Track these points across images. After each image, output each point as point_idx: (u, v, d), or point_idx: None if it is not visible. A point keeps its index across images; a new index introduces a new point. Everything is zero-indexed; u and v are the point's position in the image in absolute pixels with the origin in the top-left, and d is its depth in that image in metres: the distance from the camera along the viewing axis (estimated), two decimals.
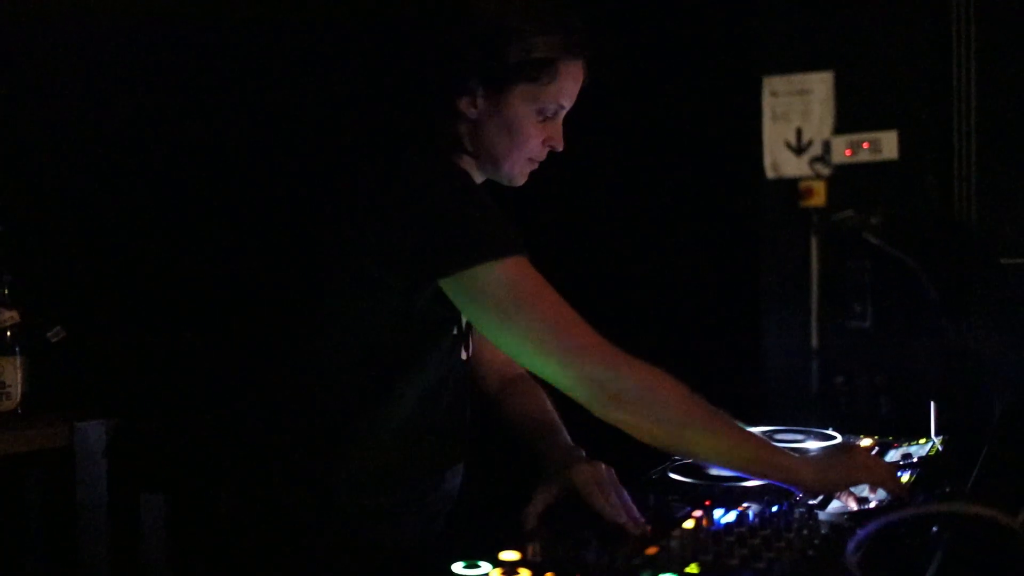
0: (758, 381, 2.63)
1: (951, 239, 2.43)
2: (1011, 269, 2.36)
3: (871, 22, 2.54)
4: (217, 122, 2.60)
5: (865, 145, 2.53)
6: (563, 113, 1.40)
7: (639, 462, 1.45)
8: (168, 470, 2.15)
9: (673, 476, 1.44)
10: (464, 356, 1.43)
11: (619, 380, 1.24)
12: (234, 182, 2.62)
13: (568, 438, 1.46)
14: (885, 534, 1.11)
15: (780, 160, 2.63)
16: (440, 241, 1.25)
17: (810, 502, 1.29)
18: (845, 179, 2.56)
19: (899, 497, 1.27)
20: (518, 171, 1.41)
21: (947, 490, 1.32)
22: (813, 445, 1.61)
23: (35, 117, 2.49)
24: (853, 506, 1.28)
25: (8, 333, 2.10)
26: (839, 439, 1.66)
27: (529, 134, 1.37)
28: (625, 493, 1.27)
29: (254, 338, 2.37)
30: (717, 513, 1.23)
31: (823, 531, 1.15)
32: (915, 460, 1.54)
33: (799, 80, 2.60)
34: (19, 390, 2.10)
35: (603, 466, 1.32)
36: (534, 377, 1.44)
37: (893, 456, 1.59)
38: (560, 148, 1.41)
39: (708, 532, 1.14)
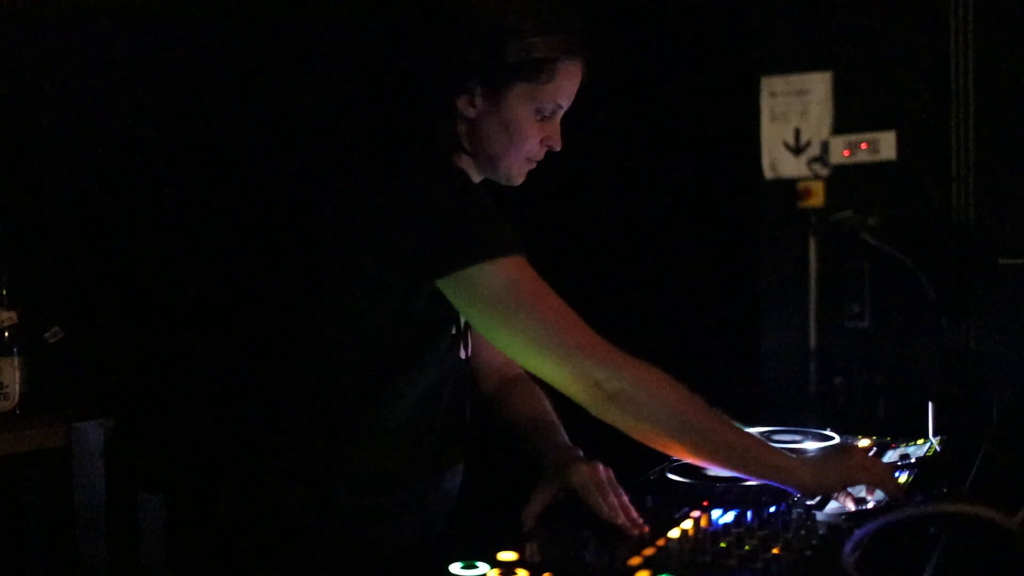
0: (756, 381, 2.63)
1: (949, 239, 2.43)
2: (1009, 269, 2.36)
3: (869, 23, 2.54)
4: (216, 121, 2.60)
5: (863, 146, 2.54)
6: (561, 113, 1.40)
7: (637, 462, 1.45)
8: (166, 470, 2.15)
9: (671, 477, 1.44)
10: (463, 355, 1.43)
11: (617, 379, 1.24)
12: (233, 182, 2.63)
13: (567, 438, 1.46)
14: (883, 535, 1.11)
15: (778, 160, 2.64)
16: (438, 241, 1.25)
17: (808, 503, 1.29)
18: (843, 179, 2.57)
19: (896, 498, 1.27)
20: (516, 171, 1.41)
21: (945, 491, 1.32)
22: (811, 445, 1.61)
23: (34, 117, 2.49)
24: (851, 507, 1.28)
25: (6, 333, 2.10)
26: (837, 439, 1.66)
27: (527, 134, 1.37)
28: (623, 494, 1.27)
29: (253, 338, 2.37)
30: (715, 514, 1.23)
31: (821, 532, 1.15)
32: (913, 460, 1.54)
33: (797, 80, 2.61)
34: (17, 390, 2.10)
35: (601, 467, 1.32)
36: (533, 377, 1.44)
37: (891, 456, 1.59)
38: (558, 148, 1.41)
39: (706, 533, 1.14)
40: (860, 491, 1.31)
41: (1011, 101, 2.40)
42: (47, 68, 2.50)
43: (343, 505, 1.34)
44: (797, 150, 2.62)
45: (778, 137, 2.63)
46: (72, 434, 2.04)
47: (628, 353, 1.27)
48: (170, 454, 2.18)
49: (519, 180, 1.43)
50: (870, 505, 1.28)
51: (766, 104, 2.64)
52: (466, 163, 1.41)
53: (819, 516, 1.22)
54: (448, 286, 1.27)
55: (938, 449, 1.61)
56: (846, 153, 2.56)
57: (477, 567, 1.04)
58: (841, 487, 1.29)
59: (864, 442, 1.70)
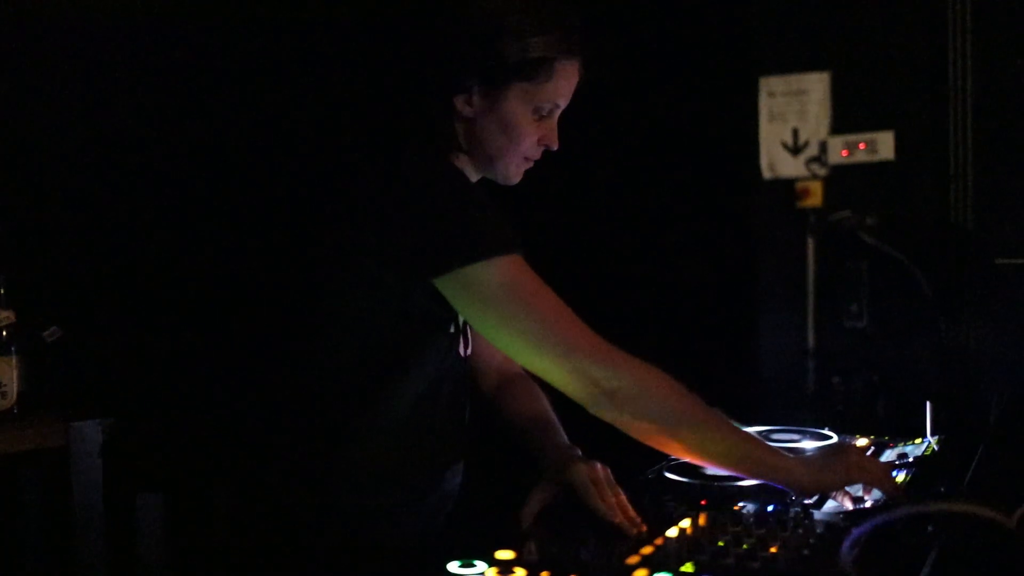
0: (755, 381, 2.63)
1: (947, 239, 2.44)
2: (1007, 269, 2.37)
3: (868, 23, 2.54)
4: (213, 120, 2.60)
5: (861, 146, 2.54)
6: (558, 112, 1.40)
7: (635, 461, 1.46)
8: (165, 469, 2.15)
9: (669, 476, 1.45)
10: (463, 353, 1.43)
11: (614, 378, 1.24)
12: (231, 181, 2.62)
13: (565, 437, 1.46)
14: (880, 534, 1.11)
15: (776, 160, 2.64)
16: (436, 240, 1.25)
17: (805, 502, 1.29)
18: (841, 179, 2.57)
19: (894, 497, 1.27)
20: (513, 169, 1.41)
21: (942, 490, 1.32)
22: (809, 445, 1.61)
23: (32, 116, 2.49)
24: (848, 506, 1.28)
25: (4, 332, 2.10)
26: (835, 439, 1.66)
27: (524, 133, 1.37)
28: (621, 493, 1.27)
29: (252, 337, 2.37)
30: (713, 512, 1.23)
31: (818, 530, 1.15)
32: (911, 460, 1.54)
33: (796, 80, 2.61)
34: (15, 389, 2.10)
35: (599, 465, 1.32)
36: (532, 376, 1.44)
37: (889, 456, 1.59)
38: (555, 147, 1.41)
39: (704, 531, 1.14)
40: (858, 490, 1.31)
41: (1009, 101, 2.40)
42: (45, 67, 2.50)
43: (342, 504, 1.34)
44: (795, 150, 2.62)
45: (776, 137, 2.63)
46: (70, 433, 2.04)
47: (626, 352, 1.27)
48: (169, 454, 2.18)
49: (516, 179, 1.43)
50: (868, 504, 1.29)
51: (764, 104, 2.64)
52: (464, 162, 1.41)
53: (817, 515, 1.22)
54: (446, 285, 1.27)
55: (936, 448, 1.61)
56: (844, 153, 2.56)
57: (475, 566, 1.04)
58: (839, 486, 1.29)
59: (862, 441, 1.70)
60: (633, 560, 1.06)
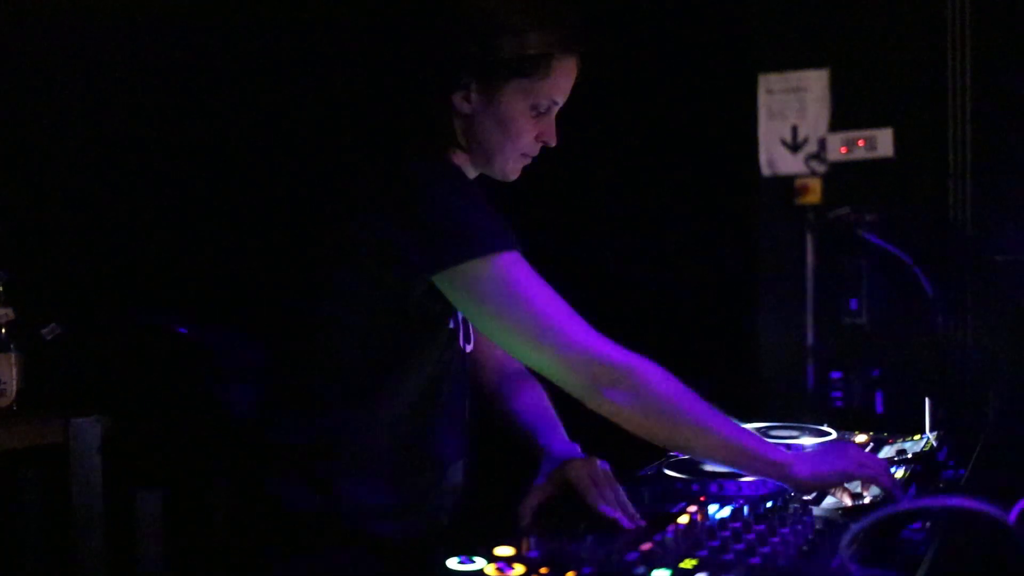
0: (754, 377, 2.64)
1: (946, 236, 2.44)
2: (1006, 266, 2.37)
3: (867, 20, 2.54)
4: (212, 118, 2.60)
5: (860, 142, 2.54)
6: (556, 109, 1.40)
7: (634, 458, 1.46)
8: (164, 466, 2.15)
9: (668, 472, 1.45)
10: (466, 348, 1.43)
11: (612, 372, 1.24)
12: (230, 179, 2.62)
13: (564, 434, 1.46)
14: (879, 529, 1.11)
15: (776, 157, 2.64)
16: (433, 237, 1.25)
17: (804, 498, 1.29)
18: (841, 176, 2.57)
19: (892, 493, 1.27)
20: (511, 166, 1.41)
21: (941, 486, 1.33)
22: (808, 441, 1.61)
23: (31, 114, 2.49)
24: (847, 502, 1.28)
25: (3, 330, 2.10)
26: (834, 435, 1.66)
27: (522, 129, 1.37)
28: (620, 489, 1.27)
29: (251, 335, 2.37)
30: (712, 509, 1.23)
31: (817, 526, 1.15)
32: (909, 456, 1.55)
33: (795, 77, 2.61)
34: (14, 387, 2.10)
35: (598, 462, 1.32)
36: (532, 372, 1.44)
37: (888, 452, 1.59)
38: (553, 143, 1.41)
39: (703, 528, 1.14)
40: (856, 486, 1.31)
41: (1008, 98, 2.41)
42: (45, 65, 2.49)
43: (342, 503, 1.34)
44: (794, 147, 2.62)
45: (775, 134, 2.64)
46: (69, 430, 2.04)
47: (624, 347, 1.27)
48: (168, 451, 2.18)
49: (514, 176, 1.43)
50: (866, 500, 1.29)
51: (763, 101, 2.64)
52: (462, 159, 1.40)
53: (816, 511, 1.22)
54: (444, 282, 1.27)
55: (934, 444, 1.61)
56: (843, 150, 2.56)
57: (474, 562, 1.04)
58: (836, 483, 1.29)
59: (861, 438, 1.70)
60: (632, 557, 1.06)
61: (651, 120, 2.71)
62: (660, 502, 1.27)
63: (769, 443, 1.31)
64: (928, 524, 1.14)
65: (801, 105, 2.61)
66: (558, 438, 1.45)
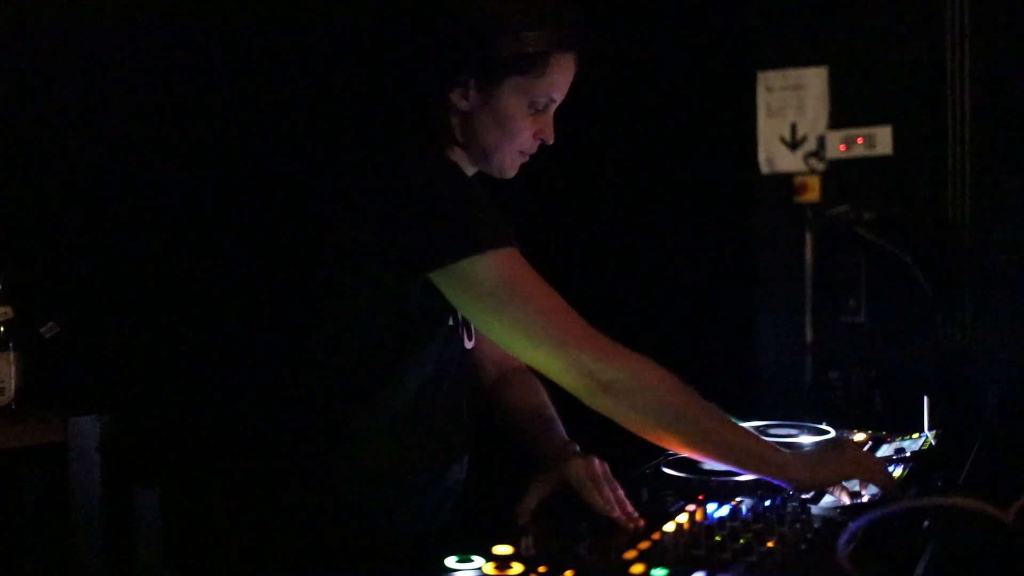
0: (752, 375, 2.64)
1: (945, 235, 2.44)
2: (1004, 265, 2.37)
3: (866, 17, 2.54)
4: (211, 118, 2.60)
5: (860, 140, 2.54)
6: (554, 106, 1.40)
7: (633, 456, 1.46)
8: (163, 465, 2.15)
9: (666, 471, 1.45)
10: (468, 345, 1.43)
11: (610, 370, 1.24)
12: (229, 178, 2.62)
13: (563, 432, 1.46)
14: (877, 528, 1.11)
15: (775, 155, 2.64)
16: (431, 235, 1.25)
17: (802, 497, 1.29)
18: (840, 174, 2.57)
19: (890, 492, 1.27)
20: (508, 163, 1.41)
21: (939, 484, 1.33)
22: (806, 439, 1.61)
23: (30, 112, 2.49)
24: (845, 500, 1.28)
25: (2, 328, 2.10)
26: (832, 434, 1.66)
27: (520, 127, 1.37)
28: (618, 488, 1.27)
29: (250, 333, 2.37)
30: (710, 507, 1.23)
31: (815, 525, 1.15)
32: (908, 455, 1.55)
33: (794, 75, 2.61)
34: (13, 385, 2.10)
35: (596, 461, 1.32)
36: (532, 370, 1.44)
37: (886, 451, 1.59)
38: (551, 141, 1.41)
39: (701, 526, 1.14)
40: (855, 485, 1.31)
41: (1007, 96, 2.41)
42: (44, 63, 2.49)
43: (341, 501, 1.34)
44: (793, 145, 2.62)
45: (774, 132, 2.63)
46: (69, 429, 2.04)
47: (622, 345, 1.27)
48: (167, 450, 2.18)
49: (512, 173, 1.43)
50: (865, 499, 1.29)
51: (762, 99, 2.64)
52: (459, 156, 1.41)
53: (814, 510, 1.22)
54: (442, 279, 1.27)
55: (933, 443, 1.62)
56: (842, 148, 2.56)
57: (472, 560, 1.04)
58: (834, 482, 1.29)
59: (859, 436, 1.70)
60: (630, 555, 1.06)
61: (650, 118, 2.71)
62: (658, 501, 1.27)
63: (768, 442, 1.31)
64: (926, 523, 1.14)
65: (800, 103, 2.61)
66: (557, 436, 1.45)
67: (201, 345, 2.49)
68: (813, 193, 2.58)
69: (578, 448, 1.38)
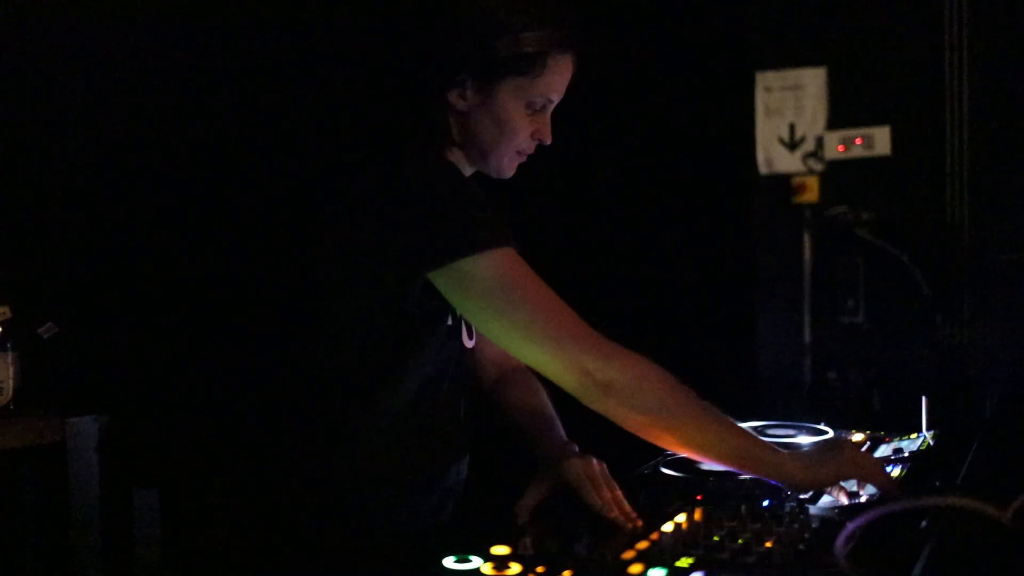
0: (751, 376, 2.64)
1: (943, 235, 2.44)
2: (1002, 265, 2.37)
3: (864, 18, 2.54)
4: (210, 118, 2.60)
5: (858, 141, 2.54)
6: (552, 107, 1.40)
7: (631, 456, 1.46)
8: (161, 465, 2.15)
9: (665, 471, 1.45)
10: (469, 344, 1.43)
11: (607, 369, 1.24)
12: (229, 178, 2.62)
13: (562, 432, 1.46)
14: (875, 528, 1.11)
15: (773, 156, 2.64)
16: (429, 235, 1.25)
17: (800, 497, 1.29)
18: (838, 175, 2.57)
19: (888, 492, 1.27)
20: (506, 163, 1.41)
21: (937, 484, 1.33)
22: (805, 440, 1.61)
23: (28, 112, 2.49)
24: (844, 500, 1.28)
25: (0, 328, 2.10)
26: (831, 434, 1.66)
27: (517, 127, 1.37)
28: (617, 488, 1.27)
29: (249, 333, 2.37)
30: (708, 507, 1.23)
31: (813, 525, 1.15)
32: (906, 455, 1.55)
33: (792, 75, 2.61)
34: (11, 386, 2.10)
35: (595, 461, 1.32)
36: (532, 370, 1.44)
37: (885, 451, 1.60)
38: (548, 141, 1.41)
39: (699, 526, 1.14)
40: (853, 485, 1.31)
41: (1005, 96, 2.41)
42: (43, 62, 2.49)
43: (341, 501, 1.34)
44: (792, 145, 2.62)
45: (773, 132, 2.64)
46: (67, 430, 2.04)
47: (620, 345, 1.27)
48: (165, 450, 2.18)
49: (509, 173, 1.43)
50: (863, 499, 1.29)
51: (761, 99, 2.64)
52: (457, 156, 1.41)
53: (812, 510, 1.23)
54: (440, 279, 1.27)
55: (931, 443, 1.62)
56: (841, 148, 2.56)
57: (470, 560, 1.04)
58: (833, 482, 1.29)
59: (858, 436, 1.70)
60: (628, 555, 1.06)
61: (648, 118, 2.71)
62: (657, 501, 1.27)
63: (766, 442, 1.31)
64: (924, 523, 1.14)
65: (799, 103, 2.61)
66: (556, 436, 1.45)
67: (200, 345, 2.49)
68: (812, 193, 2.59)
69: (577, 448, 1.38)
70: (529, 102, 1.36)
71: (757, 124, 2.64)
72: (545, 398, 1.53)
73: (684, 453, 1.31)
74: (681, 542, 1.09)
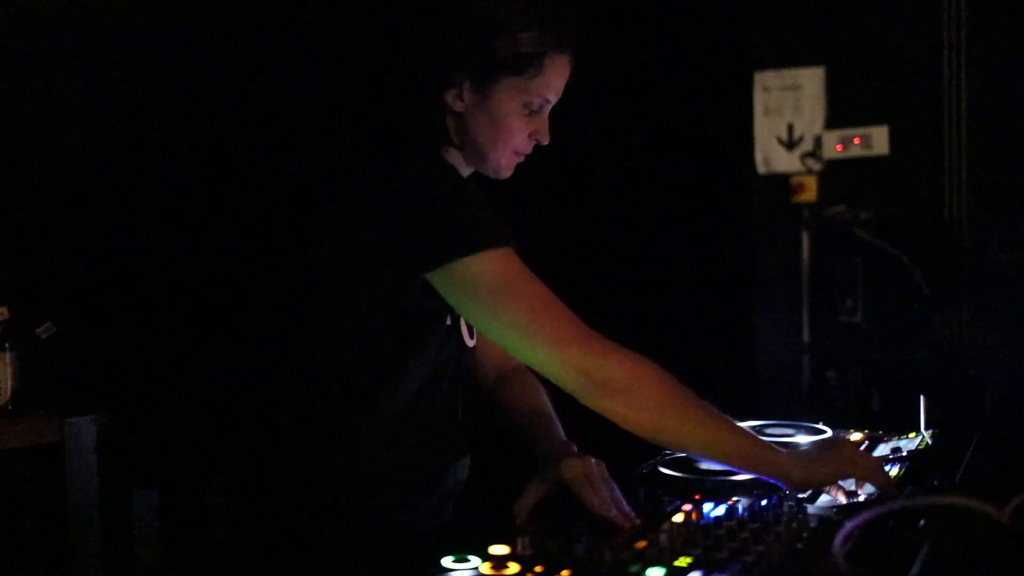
0: (750, 375, 2.64)
1: (942, 234, 2.44)
2: (1001, 264, 2.37)
3: (862, 18, 2.55)
4: (209, 118, 2.60)
5: (856, 140, 2.54)
6: (549, 107, 1.40)
7: (630, 456, 1.46)
8: (160, 466, 2.15)
9: (663, 470, 1.45)
10: (470, 343, 1.43)
11: (606, 368, 1.24)
12: (228, 178, 2.62)
13: (561, 432, 1.46)
14: (873, 527, 1.12)
15: (771, 155, 2.64)
16: (427, 235, 1.26)
17: (798, 496, 1.29)
18: (836, 174, 2.58)
19: (886, 491, 1.27)
20: (504, 164, 1.41)
21: (936, 483, 1.33)
22: (803, 439, 1.61)
23: (28, 112, 2.49)
24: (842, 500, 1.29)
25: None
26: (829, 433, 1.66)
27: (515, 127, 1.37)
28: (615, 487, 1.27)
29: (248, 333, 2.37)
30: (706, 507, 1.24)
31: (812, 524, 1.15)
32: (904, 454, 1.55)
33: (790, 75, 2.61)
34: (9, 386, 2.10)
35: (593, 460, 1.32)
36: (531, 370, 1.44)
37: (883, 450, 1.60)
38: (546, 142, 1.41)
39: (697, 526, 1.15)
40: (851, 484, 1.32)
41: (1003, 96, 2.41)
42: (43, 62, 2.49)
43: (341, 501, 1.34)
44: (790, 145, 2.62)
45: (771, 132, 2.64)
46: (66, 430, 2.04)
47: (618, 344, 1.27)
48: (164, 450, 2.18)
49: (507, 173, 1.43)
50: (861, 498, 1.29)
51: (759, 99, 2.64)
52: (454, 156, 1.41)
53: (810, 509, 1.23)
54: (439, 279, 1.27)
55: (930, 443, 1.62)
56: (839, 148, 2.56)
57: (469, 560, 1.04)
58: (830, 481, 1.29)
59: (856, 436, 1.70)
60: (627, 555, 1.06)
61: (647, 118, 2.71)
62: (655, 500, 1.27)
63: (764, 441, 1.31)
64: (922, 522, 1.14)
65: (797, 103, 2.61)
66: (554, 436, 1.45)
67: (199, 345, 2.49)
68: (810, 193, 2.59)
69: (575, 448, 1.38)
70: (526, 102, 1.36)
71: (756, 124, 2.64)
72: (545, 398, 1.53)
73: (683, 452, 1.31)
74: (680, 542, 1.09)
